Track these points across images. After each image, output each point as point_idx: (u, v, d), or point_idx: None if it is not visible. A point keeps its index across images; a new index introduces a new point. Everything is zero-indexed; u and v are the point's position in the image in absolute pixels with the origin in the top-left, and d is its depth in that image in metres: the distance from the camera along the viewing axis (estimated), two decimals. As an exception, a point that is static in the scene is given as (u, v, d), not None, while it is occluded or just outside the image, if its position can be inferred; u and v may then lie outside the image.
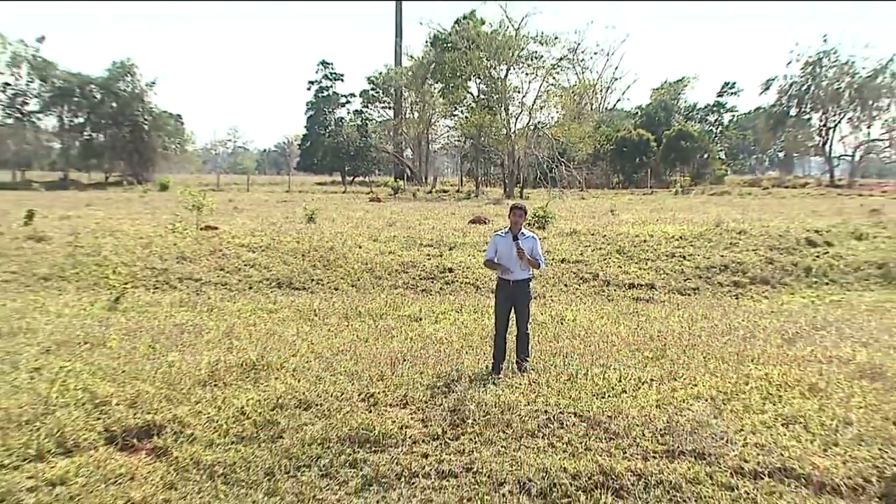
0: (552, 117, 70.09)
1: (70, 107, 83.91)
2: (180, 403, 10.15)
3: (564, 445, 9.00)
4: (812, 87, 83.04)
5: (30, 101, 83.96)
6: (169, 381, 10.84)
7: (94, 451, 9.19)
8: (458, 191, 70.66)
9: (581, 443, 9.00)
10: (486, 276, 20.54)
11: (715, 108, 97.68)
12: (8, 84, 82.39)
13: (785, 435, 8.93)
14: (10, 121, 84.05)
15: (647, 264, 23.67)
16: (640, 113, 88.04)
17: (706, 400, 9.99)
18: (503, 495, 8.16)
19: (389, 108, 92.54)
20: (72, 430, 9.47)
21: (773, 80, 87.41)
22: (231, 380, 10.89)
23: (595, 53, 76.67)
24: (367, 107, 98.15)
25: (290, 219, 33.22)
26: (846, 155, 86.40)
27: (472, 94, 72.02)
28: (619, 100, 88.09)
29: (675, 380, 10.82)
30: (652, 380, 10.80)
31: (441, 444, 9.20)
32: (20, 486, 8.45)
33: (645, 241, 25.82)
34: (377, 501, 8.31)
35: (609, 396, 10.15)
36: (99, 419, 9.78)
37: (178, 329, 14.28)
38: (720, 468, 8.34)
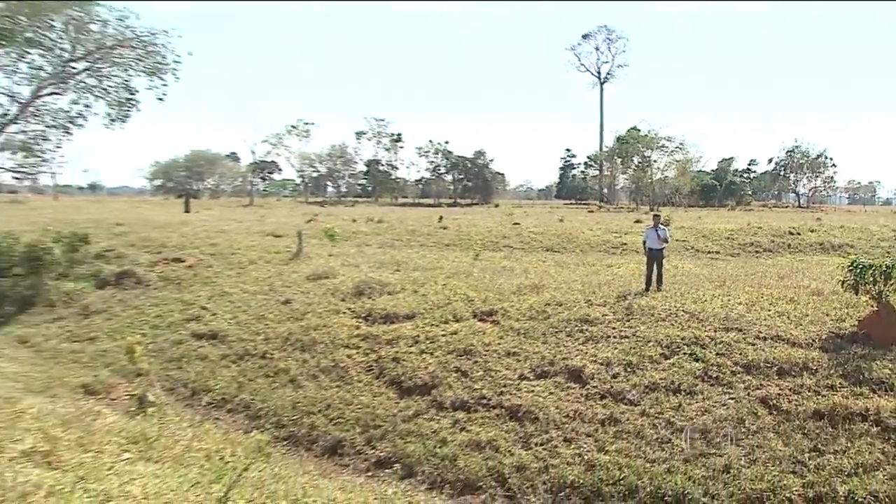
0: (672, 174, 69.22)
1: (458, 170, 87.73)
2: (504, 301, 10.37)
3: (678, 324, 8.55)
4: (790, 162, 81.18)
5: (441, 169, 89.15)
6: (499, 291, 11.09)
7: (467, 321, 9.69)
8: (628, 208, 66.26)
9: (686, 324, 8.53)
10: (641, 248, 19.02)
11: (746, 171, 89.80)
12: (433, 161, 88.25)
13: (778, 320, 8.41)
14: (432, 177, 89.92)
15: (715, 242, 21.66)
16: (712, 172, 79.84)
17: (743, 304, 9.19)
18: (649, 346, 8.02)
19: (597, 169, 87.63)
20: (458, 311, 10.04)
21: (772, 158, 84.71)
22: (525, 292, 10.93)
23: (692, 146, 72.45)
24: (587, 169, 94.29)
25: (551, 219, 32.55)
26: (805, 193, 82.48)
27: (634, 162, 70.15)
28: (702, 166, 79.26)
29: (729, 296, 9.77)
30: (718, 295, 9.79)
31: (621, 323, 8.84)
32: (438, 333, 9.14)
33: (715, 231, 23.32)
34: (592, 349, 8.15)
35: (698, 302, 9.37)
36: (469, 307, 10.26)
37: (502, 268, 14.49)
38: (749, 336, 7.96)
